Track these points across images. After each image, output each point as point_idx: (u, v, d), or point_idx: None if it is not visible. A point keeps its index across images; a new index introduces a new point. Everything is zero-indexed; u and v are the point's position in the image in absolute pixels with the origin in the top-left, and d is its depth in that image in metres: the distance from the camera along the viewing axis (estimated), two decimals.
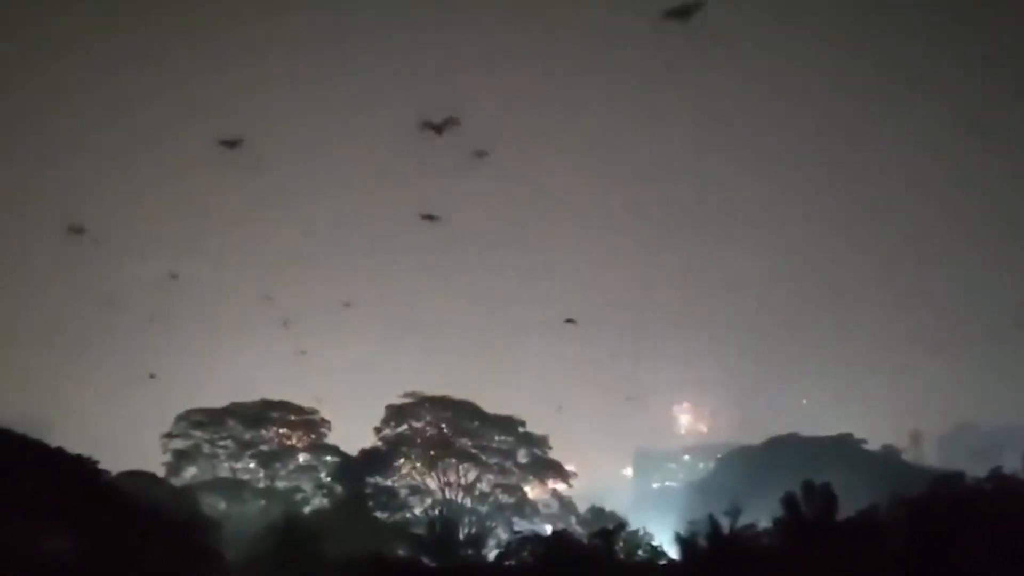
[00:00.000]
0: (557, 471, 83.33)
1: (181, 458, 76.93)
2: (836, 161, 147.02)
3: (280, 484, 78.02)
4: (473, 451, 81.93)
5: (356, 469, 78.78)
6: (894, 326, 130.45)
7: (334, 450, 79.96)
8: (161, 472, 74.33)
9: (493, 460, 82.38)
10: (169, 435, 77.54)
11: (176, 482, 74.51)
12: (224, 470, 77.76)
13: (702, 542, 50.44)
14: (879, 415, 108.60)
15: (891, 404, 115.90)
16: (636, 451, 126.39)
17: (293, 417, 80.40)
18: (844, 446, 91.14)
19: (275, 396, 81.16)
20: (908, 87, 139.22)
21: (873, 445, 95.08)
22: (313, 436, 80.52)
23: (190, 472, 76.89)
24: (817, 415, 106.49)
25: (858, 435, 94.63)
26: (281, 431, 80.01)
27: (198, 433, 78.14)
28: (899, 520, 46.69)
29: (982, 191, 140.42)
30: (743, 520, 50.51)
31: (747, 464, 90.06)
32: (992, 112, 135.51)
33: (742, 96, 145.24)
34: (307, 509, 75.24)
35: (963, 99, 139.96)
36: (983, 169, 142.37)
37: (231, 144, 78.66)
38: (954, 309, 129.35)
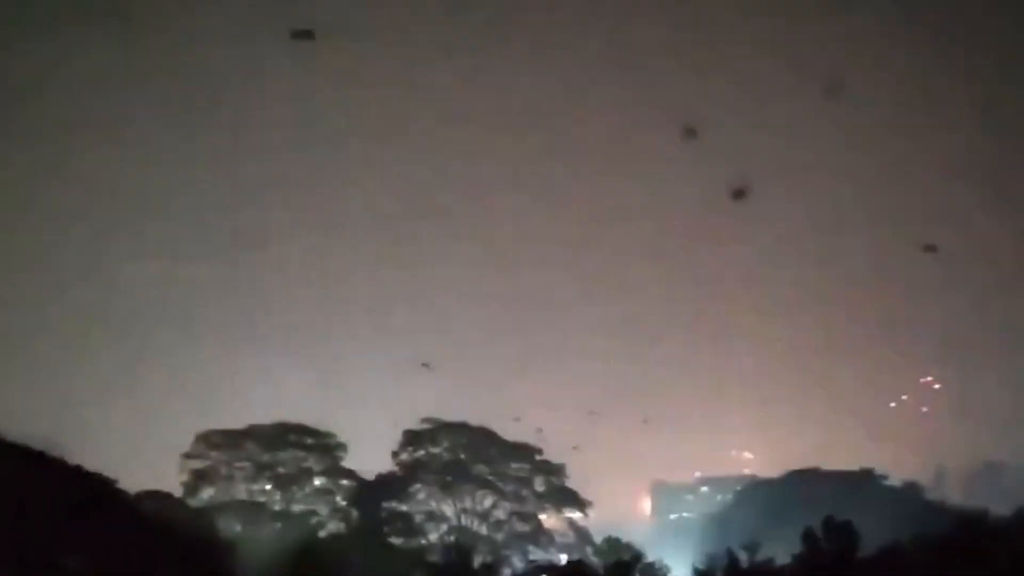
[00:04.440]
0: (573, 500, 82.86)
1: (199, 479, 77.06)
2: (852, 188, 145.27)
3: (296, 507, 77.86)
4: (490, 478, 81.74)
5: (372, 494, 78.64)
6: (921, 361, 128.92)
7: (350, 474, 79.89)
8: (179, 492, 74.52)
9: (509, 487, 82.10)
10: (188, 455, 77.75)
11: (193, 503, 74.58)
12: (241, 492, 77.76)
13: None
14: (903, 450, 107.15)
15: (915, 439, 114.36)
16: (653, 482, 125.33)
17: (310, 440, 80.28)
18: (866, 481, 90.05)
19: (293, 419, 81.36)
20: None
21: (895, 481, 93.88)
22: (329, 459, 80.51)
23: (207, 493, 76.96)
24: (839, 449, 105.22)
25: (880, 470, 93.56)
26: (298, 454, 79.96)
27: (216, 454, 78.26)
28: (922, 559, 45.96)
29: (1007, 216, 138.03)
30: (762, 554, 49.98)
31: (766, 497, 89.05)
32: None
33: None
34: (322, 533, 75.10)
35: None
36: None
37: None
38: (984, 346, 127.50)
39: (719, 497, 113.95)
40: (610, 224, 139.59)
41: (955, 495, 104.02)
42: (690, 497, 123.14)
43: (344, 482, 79.46)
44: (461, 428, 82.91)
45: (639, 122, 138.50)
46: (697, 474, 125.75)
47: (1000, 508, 52.80)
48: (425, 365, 79.38)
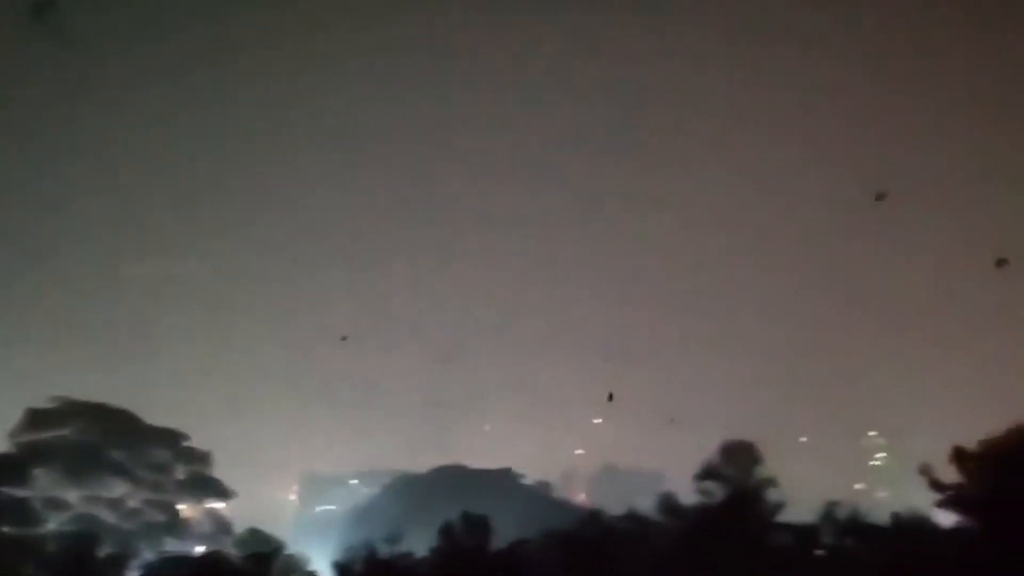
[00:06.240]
0: (216, 489, 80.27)
1: None
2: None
3: None
4: (125, 464, 76.71)
5: None
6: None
7: None
8: None
9: (147, 475, 77.68)
10: None
11: None
12: None
13: (359, 568, 50.52)
14: (540, 451, 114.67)
15: (550, 441, 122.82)
16: (302, 473, 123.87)
17: None
18: (504, 479, 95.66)
19: None
20: None
21: (530, 480, 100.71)
22: None
23: None
24: (485, 447, 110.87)
25: (517, 470, 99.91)
26: None
27: None
28: (546, 552, 49.76)
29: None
30: (403, 547, 51.24)
31: (411, 492, 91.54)
32: None
33: None
34: None
35: None
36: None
37: None
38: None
39: (367, 490, 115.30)
40: None
41: (579, 495, 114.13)
42: (339, 489, 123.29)
43: None
44: (97, 410, 77.20)
45: None
46: (346, 467, 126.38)
47: (615, 508, 58.19)
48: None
